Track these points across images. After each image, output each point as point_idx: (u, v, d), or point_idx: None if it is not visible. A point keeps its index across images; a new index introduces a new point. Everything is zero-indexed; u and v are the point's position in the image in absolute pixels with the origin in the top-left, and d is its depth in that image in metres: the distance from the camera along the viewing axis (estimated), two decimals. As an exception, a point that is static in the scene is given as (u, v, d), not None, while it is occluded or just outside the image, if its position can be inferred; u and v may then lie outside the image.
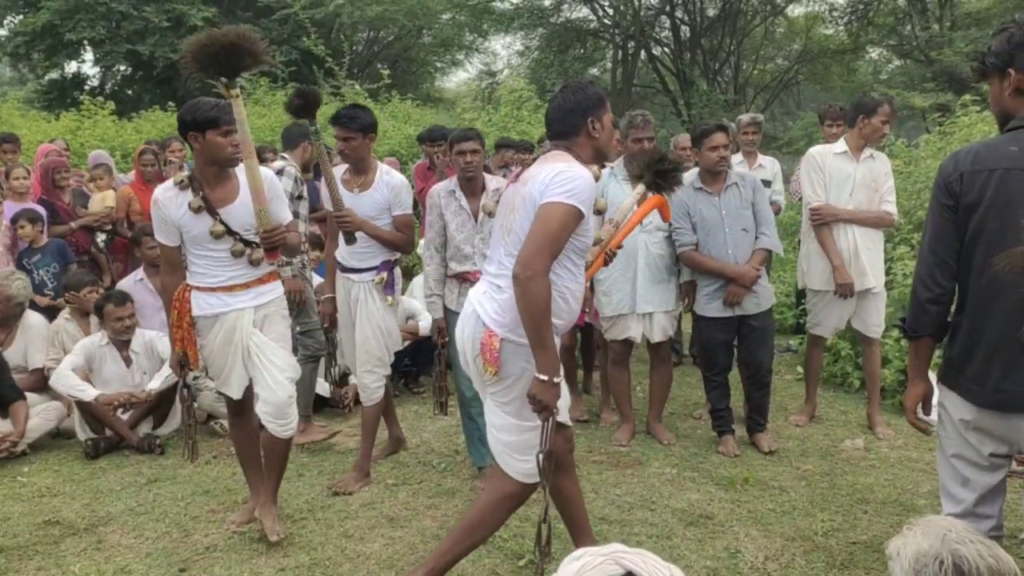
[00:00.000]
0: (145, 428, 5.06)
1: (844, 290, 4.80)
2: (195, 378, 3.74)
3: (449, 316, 4.24)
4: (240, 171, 3.52)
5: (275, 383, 3.57)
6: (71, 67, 20.68)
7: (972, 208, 2.36)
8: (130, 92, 20.38)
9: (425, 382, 5.99)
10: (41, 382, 5.31)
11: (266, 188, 3.50)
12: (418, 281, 6.13)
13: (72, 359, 5.05)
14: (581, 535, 3.17)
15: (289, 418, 3.62)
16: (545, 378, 2.66)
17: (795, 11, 23.44)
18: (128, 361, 5.17)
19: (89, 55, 19.86)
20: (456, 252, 4.23)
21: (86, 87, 19.94)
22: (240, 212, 3.50)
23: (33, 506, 4.17)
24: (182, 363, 3.63)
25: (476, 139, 4.23)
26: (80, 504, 4.17)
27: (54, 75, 20.49)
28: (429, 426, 5.24)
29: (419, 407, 5.66)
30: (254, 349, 3.57)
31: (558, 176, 2.70)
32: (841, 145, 4.91)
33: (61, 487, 4.42)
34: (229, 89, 3.38)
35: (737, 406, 4.91)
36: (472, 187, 4.24)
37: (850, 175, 4.83)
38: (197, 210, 3.44)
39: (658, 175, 3.53)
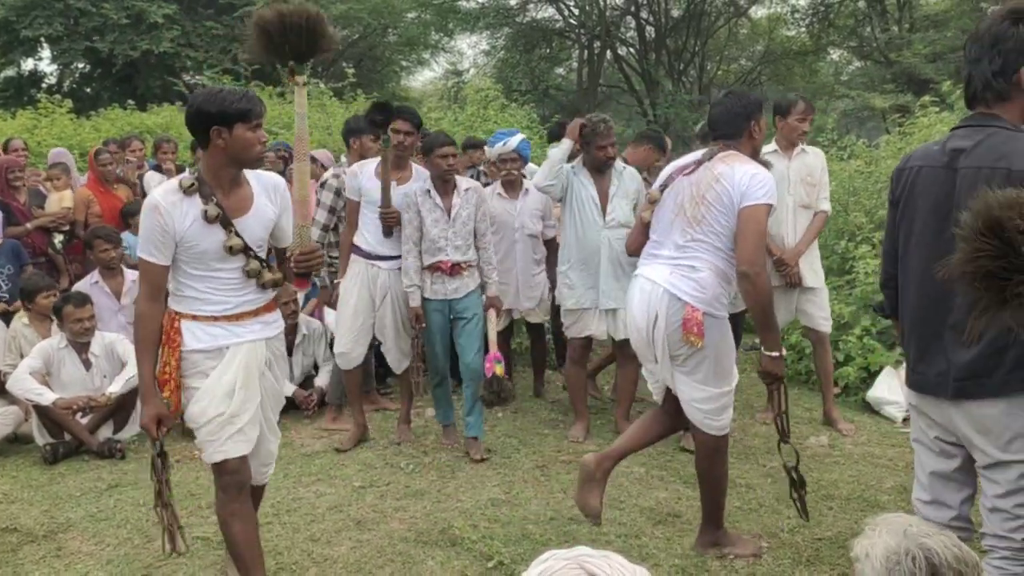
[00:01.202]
0: (105, 432, 4.96)
1: (791, 277, 4.89)
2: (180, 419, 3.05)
3: (424, 303, 4.70)
4: (251, 176, 2.97)
5: (271, 431, 3.13)
6: (28, 64, 20.26)
7: (896, 203, 2.60)
8: (89, 90, 19.99)
9: (392, 383, 5.93)
10: (-2, 386, 5.19)
11: (280, 196, 3.03)
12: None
13: (30, 362, 4.93)
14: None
15: (271, 464, 3.24)
16: (775, 354, 3.14)
17: (758, 12, 23.76)
18: (88, 364, 5.07)
19: (46, 52, 19.46)
20: (430, 245, 4.64)
21: (43, 85, 19.53)
22: (254, 224, 2.92)
23: (-11, 513, 4.08)
24: (161, 419, 2.83)
25: (453, 144, 4.74)
26: (39, 510, 4.08)
27: (10, 72, 20.04)
28: (396, 428, 5.20)
29: (386, 408, 5.62)
30: (262, 392, 3.01)
31: (755, 179, 3.10)
32: (771, 145, 5.02)
33: (19, 493, 4.32)
34: (295, 75, 2.94)
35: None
36: (446, 187, 4.65)
37: (784, 173, 4.93)
38: (213, 220, 2.81)
39: None
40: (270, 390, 3.07)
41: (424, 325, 4.72)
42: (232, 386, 2.87)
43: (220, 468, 2.92)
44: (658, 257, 3.29)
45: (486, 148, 5.94)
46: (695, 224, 3.19)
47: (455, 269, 4.65)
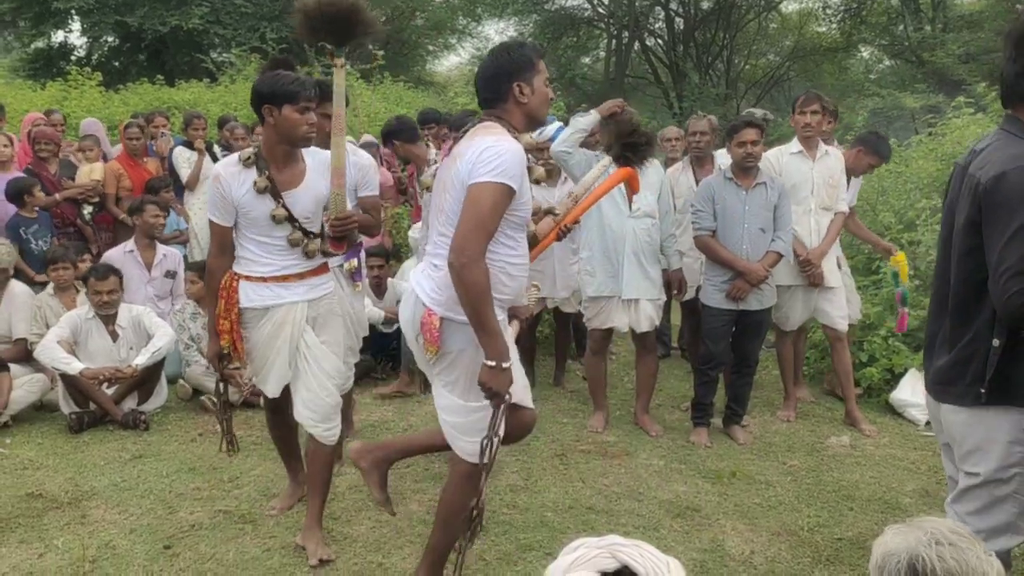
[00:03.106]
0: (130, 403, 5.00)
1: (814, 277, 4.89)
2: (235, 367, 3.60)
3: None
4: (308, 154, 3.30)
5: (321, 388, 3.36)
6: (58, 36, 20.35)
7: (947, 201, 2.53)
8: (117, 64, 20.05)
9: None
10: (24, 353, 5.25)
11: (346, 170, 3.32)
12: (408, 264, 6.11)
13: (57, 331, 4.99)
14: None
15: (333, 423, 3.41)
16: (493, 363, 2.57)
17: (789, 7, 23.50)
18: (114, 335, 5.12)
19: (76, 25, 19.54)
20: None
21: (72, 57, 19.63)
22: (304, 198, 3.26)
23: (16, 478, 4.13)
24: (222, 356, 3.37)
25: (434, 123, 4.32)
26: (63, 478, 4.13)
27: (40, 44, 20.14)
28: (416, 410, 5.23)
29: (403, 392, 5.64)
30: (304, 349, 3.34)
31: (484, 153, 2.57)
32: (796, 145, 4.98)
33: (44, 460, 4.38)
34: (334, 57, 3.23)
35: (718, 399, 4.95)
36: None
37: (808, 174, 4.92)
38: (262, 191, 3.17)
39: (627, 147, 3.48)
40: (315, 348, 3.35)
41: None
42: (267, 339, 3.31)
43: (264, 398, 3.63)
44: (425, 253, 2.91)
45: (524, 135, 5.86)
46: (439, 214, 2.76)
47: None
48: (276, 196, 3.20)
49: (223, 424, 3.67)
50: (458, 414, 2.79)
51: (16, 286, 5.40)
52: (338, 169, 3.23)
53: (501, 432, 2.70)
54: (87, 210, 6.38)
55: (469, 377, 2.70)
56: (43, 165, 6.28)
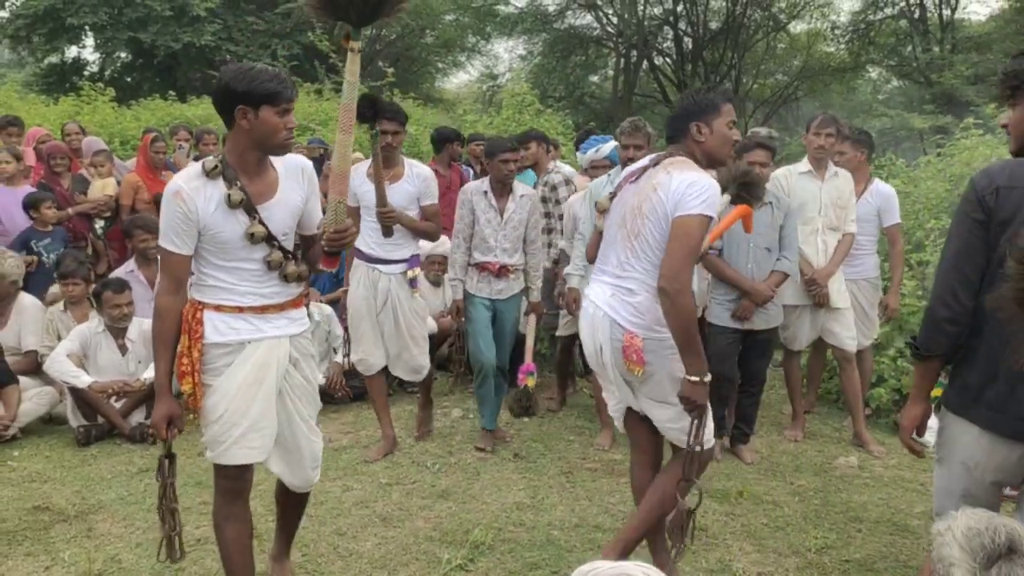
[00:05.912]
0: (138, 417, 5.02)
1: (820, 297, 4.90)
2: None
3: (467, 298, 4.85)
4: (276, 160, 2.81)
5: (311, 432, 2.95)
6: (71, 52, 20.58)
7: (1005, 224, 2.26)
8: (129, 79, 20.26)
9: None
10: (33, 365, 5.27)
11: (307, 180, 2.86)
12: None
13: (67, 344, 5.01)
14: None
15: (318, 467, 3.05)
16: (696, 379, 2.81)
17: (797, 27, 23.62)
18: (124, 349, 5.14)
19: (90, 40, 19.76)
20: (481, 243, 4.80)
21: (85, 73, 19.83)
22: (280, 211, 2.76)
23: (23, 491, 4.14)
24: (172, 418, 2.75)
25: (516, 150, 4.91)
26: (71, 491, 4.14)
27: (53, 59, 20.35)
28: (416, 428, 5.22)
29: (413, 407, 5.62)
30: (288, 393, 2.85)
31: (691, 187, 2.81)
32: (805, 164, 5.00)
33: (52, 473, 4.39)
34: (350, 40, 2.70)
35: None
36: (503, 190, 4.81)
37: (816, 194, 4.93)
38: (236, 204, 2.65)
39: (742, 187, 3.61)
40: (300, 389, 2.89)
41: (463, 319, 4.85)
42: (244, 384, 2.73)
43: (221, 472, 2.81)
44: (604, 274, 3.08)
45: (578, 154, 6.07)
46: (633, 238, 2.95)
47: (502, 271, 4.79)
48: (251, 211, 2.69)
49: (164, 518, 2.83)
50: (680, 420, 2.97)
51: (26, 298, 5.43)
52: (342, 174, 2.72)
53: (706, 441, 2.98)
54: (99, 225, 6.42)
55: (671, 382, 2.93)
56: (56, 179, 6.32)
